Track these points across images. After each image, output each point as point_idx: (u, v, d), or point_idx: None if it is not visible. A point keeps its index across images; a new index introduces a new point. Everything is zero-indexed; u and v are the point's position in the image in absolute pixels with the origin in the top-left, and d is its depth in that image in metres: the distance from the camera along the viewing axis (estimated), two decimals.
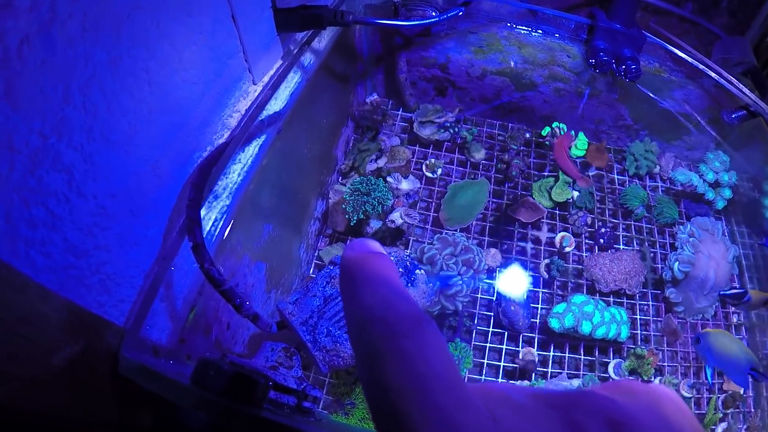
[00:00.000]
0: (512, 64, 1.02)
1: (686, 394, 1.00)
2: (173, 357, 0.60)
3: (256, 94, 0.75)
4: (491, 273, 1.00)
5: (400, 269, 0.76)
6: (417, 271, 0.77)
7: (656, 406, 0.24)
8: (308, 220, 0.93)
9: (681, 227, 1.04)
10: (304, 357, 0.76)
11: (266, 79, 0.78)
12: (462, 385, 0.20)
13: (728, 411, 1.03)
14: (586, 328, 0.94)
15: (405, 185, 0.94)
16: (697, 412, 1.01)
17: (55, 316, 0.44)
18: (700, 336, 0.90)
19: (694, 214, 1.10)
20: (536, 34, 1.00)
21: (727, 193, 1.10)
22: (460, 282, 0.86)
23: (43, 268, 0.42)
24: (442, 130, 1.05)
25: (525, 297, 0.97)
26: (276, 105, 0.77)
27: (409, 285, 0.76)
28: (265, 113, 0.74)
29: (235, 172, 0.71)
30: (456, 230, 1.00)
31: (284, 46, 0.80)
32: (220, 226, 0.65)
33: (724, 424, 1.00)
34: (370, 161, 1.01)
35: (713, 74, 1.00)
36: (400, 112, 1.09)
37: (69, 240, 0.44)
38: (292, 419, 0.56)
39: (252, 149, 0.73)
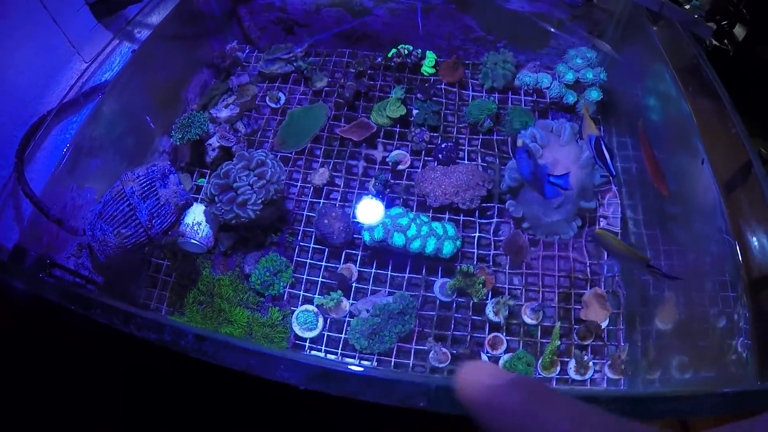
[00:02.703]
0: None
1: (529, 320, 0.90)
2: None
3: (87, 70, 0.96)
4: (319, 191, 1.02)
5: (159, 175, 0.85)
6: (171, 176, 0.85)
7: None
8: (152, 154, 1.06)
9: (522, 131, 0.94)
10: (93, 253, 0.90)
11: (99, 57, 0.99)
12: None
13: (586, 342, 0.89)
14: (398, 240, 0.91)
15: (224, 114, 1.02)
16: (544, 340, 0.89)
17: None
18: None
19: None
20: None
21: (595, 94, 0.96)
22: (249, 191, 0.91)
23: None
24: (287, 64, 1.10)
25: (346, 213, 0.97)
26: (108, 73, 0.99)
27: (163, 187, 0.84)
28: (94, 81, 0.95)
29: (74, 124, 0.94)
30: (291, 153, 1.05)
31: (113, 27, 1.02)
32: (53, 164, 0.87)
33: (574, 361, 0.87)
34: (222, 99, 1.11)
35: None
36: (255, 54, 1.18)
37: None
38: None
39: (85, 109, 0.94)
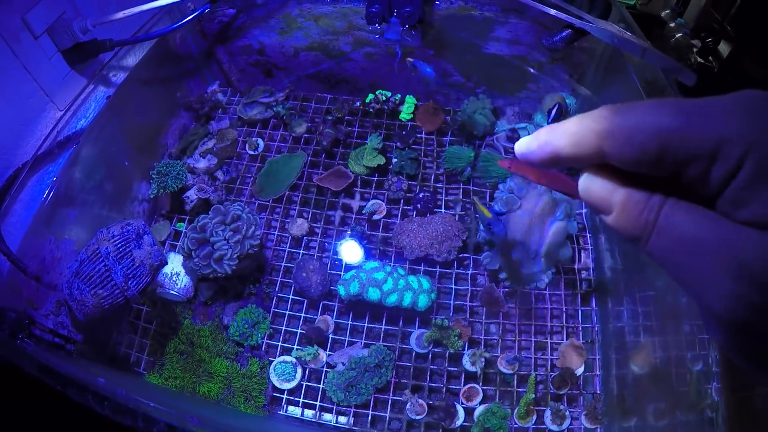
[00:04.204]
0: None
1: (505, 370, 0.90)
2: None
3: (62, 118, 0.95)
4: (298, 241, 1.02)
5: (134, 236, 0.86)
6: (145, 236, 0.86)
7: None
8: (131, 202, 1.06)
9: (501, 184, 0.94)
10: (72, 311, 0.91)
11: (74, 104, 0.98)
12: None
13: (562, 392, 0.90)
14: (373, 294, 0.91)
15: (201, 164, 1.01)
16: (519, 389, 0.90)
17: None
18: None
19: None
20: (325, 4, 1.00)
21: None
22: (225, 247, 0.92)
23: None
24: (266, 109, 1.10)
25: (324, 264, 0.98)
26: (83, 120, 0.97)
27: (137, 248, 0.85)
28: (70, 129, 0.94)
29: (51, 174, 0.92)
30: (269, 201, 1.05)
31: (87, 72, 1.00)
32: (30, 216, 0.88)
33: (550, 411, 0.87)
34: (202, 144, 1.11)
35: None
36: (236, 98, 1.17)
37: None
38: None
39: (61, 158, 0.93)
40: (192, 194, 0.99)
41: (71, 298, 0.87)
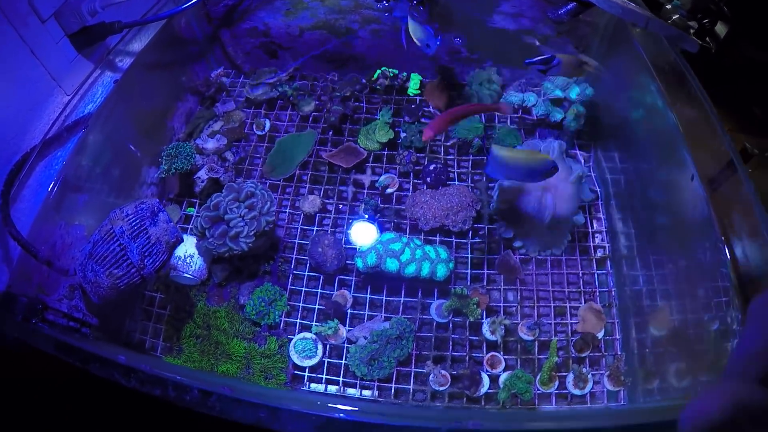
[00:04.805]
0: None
1: (526, 337, 0.90)
2: None
3: (69, 103, 0.95)
4: (310, 218, 1.02)
5: (148, 213, 0.85)
6: (160, 213, 0.85)
7: None
8: (140, 186, 1.05)
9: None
10: (86, 294, 0.89)
11: (81, 88, 0.97)
12: None
13: (584, 354, 0.90)
14: (391, 265, 0.91)
15: (211, 145, 1.01)
16: (541, 356, 0.90)
17: None
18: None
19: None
20: None
21: (582, 109, 0.97)
22: (241, 224, 0.91)
23: None
24: (272, 90, 1.10)
25: (338, 239, 0.97)
26: (90, 105, 0.97)
27: (152, 225, 0.84)
28: (77, 114, 0.94)
29: (59, 159, 0.92)
30: (279, 180, 1.05)
31: (94, 57, 1.00)
32: (39, 202, 0.87)
33: (573, 375, 0.88)
34: (207, 126, 1.10)
35: None
36: (240, 80, 1.17)
37: None
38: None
39: (69, 143, 0.93)
40: (203, 174, 0.98)
41: (85, 281, 0.85)
